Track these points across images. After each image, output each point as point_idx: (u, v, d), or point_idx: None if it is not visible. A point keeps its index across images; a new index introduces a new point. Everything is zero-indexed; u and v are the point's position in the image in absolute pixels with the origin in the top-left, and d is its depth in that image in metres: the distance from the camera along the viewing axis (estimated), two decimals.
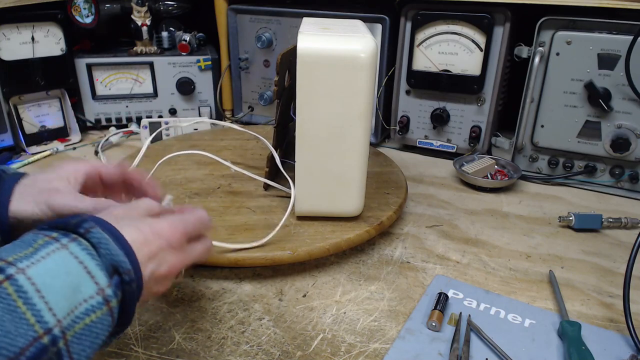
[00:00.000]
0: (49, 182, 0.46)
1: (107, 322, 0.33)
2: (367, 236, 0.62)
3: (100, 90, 1.02)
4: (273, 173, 0.72)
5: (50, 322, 0.29)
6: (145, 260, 0.37)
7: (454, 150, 0.95)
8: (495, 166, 0.88)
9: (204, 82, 1.06)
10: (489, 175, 0.85)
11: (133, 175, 0.50)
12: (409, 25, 0.90)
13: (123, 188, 0.52)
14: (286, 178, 0.64)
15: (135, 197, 0.51)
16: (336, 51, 0.54)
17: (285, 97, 0.68)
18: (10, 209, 0.44)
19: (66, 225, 0.35)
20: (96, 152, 0.92)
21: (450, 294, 0.56)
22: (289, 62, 0.66)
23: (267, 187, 0.71)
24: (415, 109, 0.95)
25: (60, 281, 0.31)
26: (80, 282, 0.32)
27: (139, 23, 1.02)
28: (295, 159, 0.60)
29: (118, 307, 0.34)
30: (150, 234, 0.38)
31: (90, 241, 0.34)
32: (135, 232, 0.37)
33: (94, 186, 0.49)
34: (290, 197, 0.62)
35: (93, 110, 1.03)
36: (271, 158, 0.69)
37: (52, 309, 0.30)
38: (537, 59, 0.81)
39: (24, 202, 0.44)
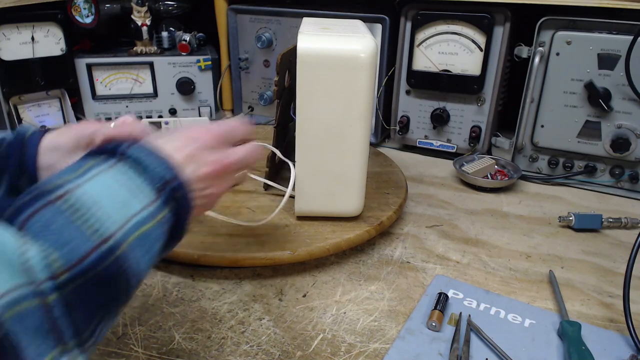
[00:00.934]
0: (67, 146, 0.49)
1: (160, 230, 0.35)
2: (367, 236, 0.62)
3: (100, 90, 1.02)
4: (273, 173, 0.72)
5: (110, 229, 0.31)
6: (185, 163, 0.39)
7: (454, 150, 0.95)
8: (495, 166, 0.88)
9: (204, 82, 1.06)
10: (489, 175, 0.85)
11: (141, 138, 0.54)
12: (409, 25, 0.90)
13: None
14: (286, 178, 0.64)
15: None
16: (336, 51, 0.54)
17: (285, 97, 0.68)
18: (36, 163, 0.48)
19: (107, 149, 0.37)
20: None
21: (450, 294, 0.56)
22: (289, 62, 0.66)
23: (267, 187, 0.71)
24: (415, 109, 0.95)
25: (113, 195, 0.33)
26: (131, 197, 0.34)
27: (139, 23, 1.02)
28: (295, 159, 0.60)
29: (171, 217, 0.36)
30: (184, 140, 0.40)
31: (131, 159, 0.36)
32: (170, 142, 0.39)
33: None
34: (292, 197, 0.62)
35: (93, 110, 1.03)
36: (271, 158, 0.69)
37: (110, 218, 0.32)
38: (537, 59, 0.81)
39: (46, 157, 0.48)
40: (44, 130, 0.50)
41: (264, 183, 0.71)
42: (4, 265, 0.27)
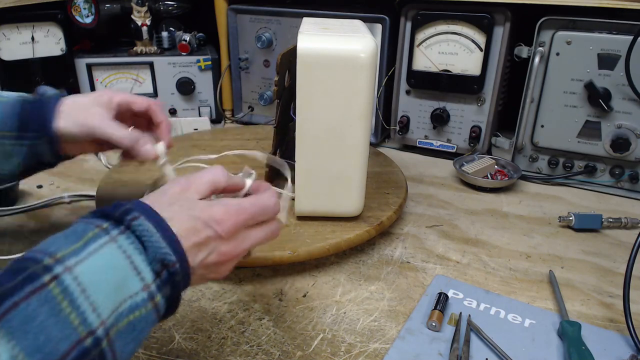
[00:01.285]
0: (87, 106, 0.53)
1: (151, 318, 0.33)
2: (367, 236, 0.62)
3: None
4: (273, 173, 0.72)
5: (94, 323, 0.29)
6: (193, 249, 0.36)
7: (454, 150, 0.95)
8: (495, 166, 0.88)
9: (204, 82, 1.06)
10: (489, 175, 0.85)
11: (157, 113, 0.57)
12: (409, 25, 0.90)
13: (147, 122, 0.58)
14: (286, 178, 0.64)
15: (153, 134, 0.57)
16: (336, 51, 0.54)
17: (285, 97, 0.68)
18: (54, 126, 0.51)
19: (112, 213, 0.34)
20: (96, 152, 0.92)
21: (450, 294, 0.56)
22: (289, 62, 0.66)
23: None
24: (415, 109, 0.95)
25: (107, 278, 0.31)
26: (126, 278, 0.32)
27: (139, 23, 1.02)
28: (295, 159, 0.60)
29: (164, 302, 0.34)
30: (200, 223, 0.36)
31: (135, 233, 0.33)
32: (184, 220, 0.36)
33: (124, 114, 0.56)
34: (292, 197, 0.62)
35: None
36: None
37: (96, 309, 0.29)
38: (537, 59, 0.81)
39: (65, 121, 0.52)
40: (63, 94, 0.54)
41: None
42: None
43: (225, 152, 0.52)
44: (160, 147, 0.54)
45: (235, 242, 0.39)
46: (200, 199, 0.39)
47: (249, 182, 0.44)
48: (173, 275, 0.34)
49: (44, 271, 0.29)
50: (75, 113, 0.52)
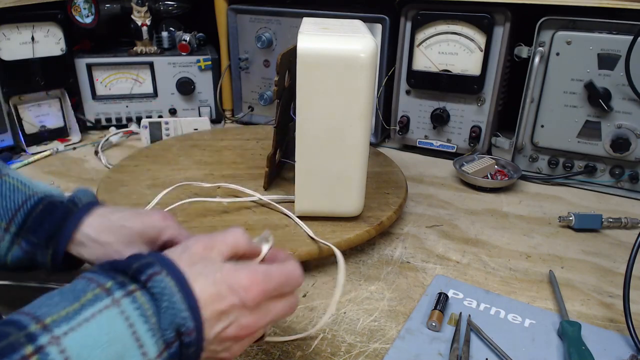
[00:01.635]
0: (124, 240, 0.43)
1: None
2: (367, 236, 0.62)
3: (100, 90, 1.02)
4: (273, 173, 0.72)
5: None
6: (213, 319, 0.31)
7: (454, 150, 0.95)
8: (495, 166, 0.88)
9: (204, 82, 1.06)
10: (489, 175, 0.85)
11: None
12: (409, 25, 0.90)
13: None
14: (286, 178, 0.64)
15: None
16: (336, 51, 0.54)
17: (285, 97, 0.68)
18: (67, 247, 0.42)
19: (128, 267, 0.30)
20: (96, 152, 0.92)
21: (450, 294, 0.56)
22: (289, 62, 0.66)
23: (267, 187, 0.71)
24: (415, 109, 0.95)
25: (100, 353, 0.26)
26: (125, 352, 0.27)
27: (139, 23, 1.02)
28: (295, 159, 0.60)
29: None
30: (224, 287, 0.32)
31: (151, 290, 0.29)
32: (207, 283, 0.32)
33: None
34: (292, 198, 0.62)
35: (93, 110, 1.03)
36: (271, 158, 0.69)
37: None
38: (537, 59, 0.81)
39: (86, 249, 0.42)
40: (95, 202, 0.45)
41: (264, 183, 0.71)
42: None
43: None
44: (265, 236, 0.41)
45: (258, 315, 0.34)
46: (224, 262, 0.34)
47: (265, 248, 0.40)
48: (187, 347, 0.30)
49: (26, 341, 0.25)
50: (107, 232, 0.42)
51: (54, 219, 0.42)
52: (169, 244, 0.43)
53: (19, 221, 0.42)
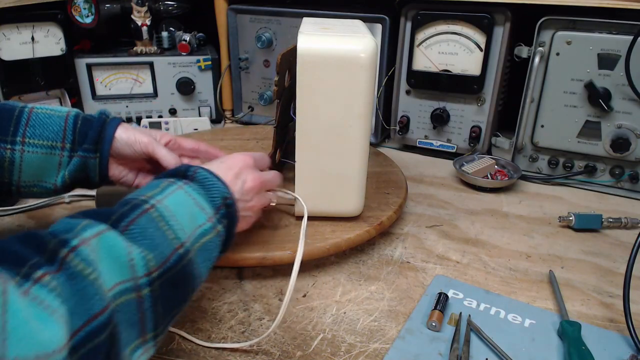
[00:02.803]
0: (142, 130, 0.59)
1: (216, 242, 0.44)
2: (367, 236, 0.62)
3: (100, 90, 1.02)
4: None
5: (182, 238, 0.40)
6: (233, 180, 0.50)
7: (454, 150, 0.95)
8: (495, 166, 0.88)
9: (204, 82, 1.06)
10: (489, 175, 0.85)
11: (209, 150, 0.64)
12: (409, 25, 0.90)
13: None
14: (286, 178, 0.64)
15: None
16: (336, 51, 0.54)
17: (285, 97, 0.68)
18: (115, 136, 0.56)
19: (178, 172, 0.47)
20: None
21: (450, 294, 0.56)
22: (289, 62, 0.66)
23: None
24: (415, 109, 0.95)
25: (184, 209, 0.42)
26: (195, 212, 0.43)
27: (139, 23, 1.02)
28: (295, 159, 0.60)
29: (224, 231, 0.45)
30: (230, 162, 0.52)
31: (197, 178, 0.46)
32: (220, 166, 0.51)
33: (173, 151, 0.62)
34: (291, 199, 0.62)
35: (93, 110, 1.02)
36: (271, 158, 0.69)
37: (183, 229, 0.40)
38: (537, 59, 0.81)
39: (123, 132, 0.57)
40: (120, 119, 0.58)
41: None
42: (116, 263, 0.34)
43: None
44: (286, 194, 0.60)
45: (258, 172, 0.54)
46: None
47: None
48: (228, 206, 0.46)
49: (143, 202, 0.40)
50: (134, 130, 0.58)
51: (95, 128, 0.55)
52: (171, 145, 0.62)
53: (69, 137, 0.54)
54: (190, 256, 0.40)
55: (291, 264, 0.51)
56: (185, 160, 0.63)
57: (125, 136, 0.57)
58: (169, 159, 0.58)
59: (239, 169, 0.52)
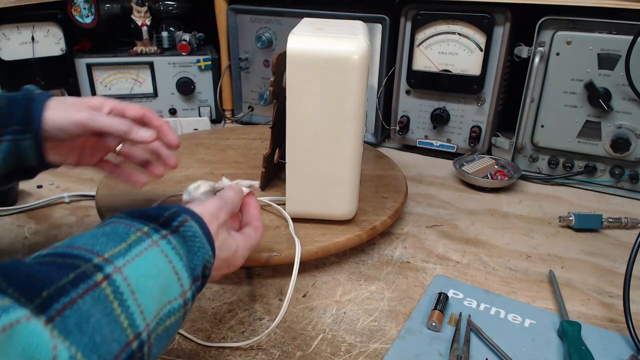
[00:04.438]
0: (77, 103, 0.49)
1: (180, 322, 0.34)
2: (357, 240, 0.61)
3: (100, 90, 1.02)
4: (270, 173, 0.72)
5: (141, 326, 0.29)
6: (218, 252, 0.39)
7: (454, 150, 0.95)
8: (495, 166, 0.88)
9: (204, 82, 1.06)
10: (489, 175, 0.85)
11: (154, 119, 0.54)
12: (409, 25, 0.90)
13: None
14: (284, 179, 0.64)
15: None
16: (327, 52, 0.53)
17: (282, 98, 0.68)
18: (43, 119, 0.46)
19: (158, 216, 0.35)
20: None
21: (450, 294, 0.56)
22: (285, 62, 0.66)
23: (263, 187, 0.71)
24: (415, 109, 0.95)
25: (152, 282, 0.31)
26: (168, 283, 0.32)
27: (139, 23, 1.02)
28: (286, 160, 0.59)
29: (192, 303, 0.35)
30: (212, 206, 0.41)
31: (183, 234, 0.35)
32: (214, 227, 0.39)
33: None
34: (284, 199, 0.62)
35: None
36: (267, 159, 0.69)
37: (143, 312, 0.30)
38: (537, 59, 0.81)
39: (54, 112, 0.47)
40: (49, 95, 0.49)
41: (261, 182, 0.71)
42: None
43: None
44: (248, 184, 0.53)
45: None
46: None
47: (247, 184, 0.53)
48: (207, 277, 0.37)
49: (95, 270, 0.29)
50: (66, 107, 0.48)
51: (20, 105, 0.46)
52: (115, 112, 0.52)
53: None
54: (145, 350, 0.30)
55: (290, 264, 0.51)
56: None
57: (57, 117, 0.47)
58: (116, 125, 0.48)
59: (223, 221, 0.42)
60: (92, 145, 0.54)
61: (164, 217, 0.35)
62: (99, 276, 0.29)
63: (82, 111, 0.48)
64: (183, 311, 0.33)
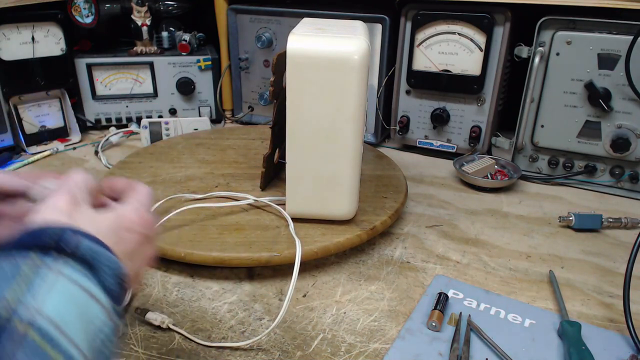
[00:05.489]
0: None
1: (113, 332, 0.31)
2: (357, 240, 0.61)
3: (100, 90, 1.02)
4: (269, 174, 0.72)
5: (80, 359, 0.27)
6: (125, 257, 0.33)
7: (454, 150, 0.95)
8: (495, 166, 0.88)
9: (204, 82, 1.06)
10: (489, 175, 0.85)
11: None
12: (409, 25, 0.90)
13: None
14: (284, 179, 0.64)
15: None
16: (327, 52, 0.53)
17: (282, 98, 0.68)
18: None
19: (40, 240, 0.30)
20: (96, 152, 0.92)
21: (450, 294, 0.56)
22: (285, 62, 0.66)
23: (263, 187, 0.71)
24: (415, 109, 0.95)
25: (74, 314, 0.28)
26: (87, 307, 0.29)
27: (139, 23, 1.02)
28: (286, 160, 0.59)
29: (116, 313, 0.32)
30: (122, 231, 0.35)
31: (84, 257, 0.30)
32: (109, 234, 0.34)
33: None
34: (284, 199, 0.62)
35: (93, 110, 1.03)
36: (267, 159, 0.69)
37: (75, 345, 0.27)
38: (537, 59, 0.81)
39: None
40: None
41: (261, 183, 0.71)
42: None
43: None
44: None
45: (154, 243, 0.39)
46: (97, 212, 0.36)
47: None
48: (125, 290, 0.33)
49: (11, 318, 0.24)
50: None
51: None
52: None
53: None
54: None
55: (291, 264, 0.51)
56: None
57: None
58: (8, 181, 0.39)
59: (134, 243, 0.36)
60: None
61: (52, 242, 0.30)
62: (20, 326, 0.24)
63: None
64: (111, 323, 0.30)
